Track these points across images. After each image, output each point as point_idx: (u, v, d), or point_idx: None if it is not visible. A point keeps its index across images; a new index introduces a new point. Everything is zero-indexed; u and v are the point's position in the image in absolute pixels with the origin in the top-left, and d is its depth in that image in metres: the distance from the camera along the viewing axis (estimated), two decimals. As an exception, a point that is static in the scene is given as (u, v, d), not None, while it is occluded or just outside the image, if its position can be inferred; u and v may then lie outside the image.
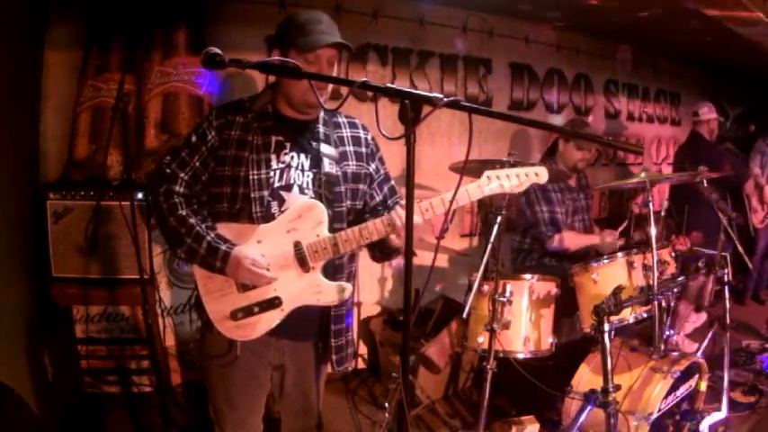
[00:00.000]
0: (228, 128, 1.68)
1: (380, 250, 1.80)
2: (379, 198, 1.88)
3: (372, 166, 1.86)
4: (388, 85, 1.32)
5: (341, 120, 1.85)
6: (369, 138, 1.87)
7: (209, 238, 1.63)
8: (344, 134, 1.83)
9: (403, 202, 1.56)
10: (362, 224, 1.66)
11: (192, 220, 1.65)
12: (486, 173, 1.71)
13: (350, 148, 1.81)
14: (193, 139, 1.69)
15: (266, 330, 1.69)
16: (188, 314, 3.22)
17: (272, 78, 1.76)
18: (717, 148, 4.65)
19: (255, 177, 1.67)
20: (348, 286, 1.74)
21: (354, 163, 1.81)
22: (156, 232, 2.92)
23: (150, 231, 2.77)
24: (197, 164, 1.68)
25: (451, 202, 1.53)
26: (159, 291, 3.03)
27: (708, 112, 4.49)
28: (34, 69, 2.78)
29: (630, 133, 5.47)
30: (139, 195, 2.67)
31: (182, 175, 1.68)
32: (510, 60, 4.27)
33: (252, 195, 1.66)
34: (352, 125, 1.86)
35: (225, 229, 1.68)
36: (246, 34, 3.17)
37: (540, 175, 1.77)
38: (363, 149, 1.84)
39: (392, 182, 1.93)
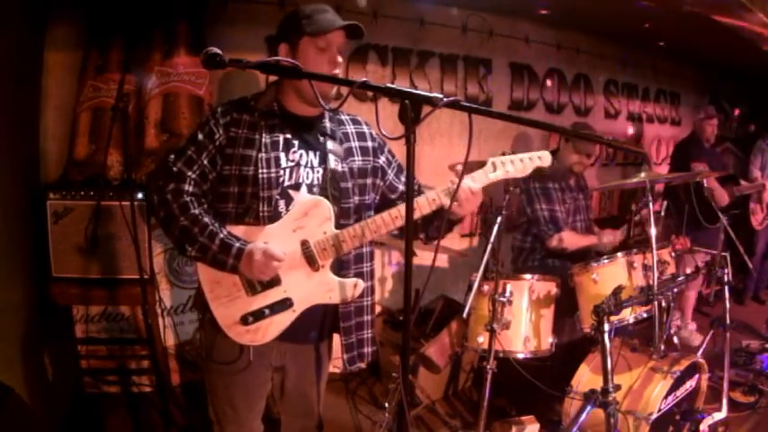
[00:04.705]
0: (235, 126, 1.66)
1: (430, 224, 1.77)
2: (402, 187, 1.87)
3: (382, 159, 1.86)
4: (388, 85, 1.32)
5: (344, 117, 1.86)
6: (373, 132, 1.88)
7: (221, 235, 1.61)
8: (349, 130, 1.83)
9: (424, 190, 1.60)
10: (367, 220, 1.66)
11: (206, 219, 1.63)
12: (491, 159, 1.71)
13: (355, 144, 1.81)
14: (200, 137, 1.66)
15: (277, 333, 1.66)
16: (188, 314, 3.23)
17: (272, 78, 1.75)
18: (713, 151, 4.59)
19: (265, 176, 1.64)
20: (360, 282, 1.71)
21: (360, 158, 1.80)
22: (157, 232, 2.95)
23: (150, 231, 2.77)
24: (205, 162, 1.65)
25: (452, 199, 1.54)
26: (159, 291, 3.02)
27: (706, 115, 4.41)
28: (34, 69, 2.77)
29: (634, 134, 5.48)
30: (139, 195, 2.67)
31: (189, 173, 1.64)
32: (510, 60, 4.28)
33: (261, 194, 1.64)
34: (355, 122, 1.87)
35: (231, 230, 1.65)
36: (247, 34, 3.17)
37: (544, 158, 1.76)
38: (369, 144, 1.84)
39: None
